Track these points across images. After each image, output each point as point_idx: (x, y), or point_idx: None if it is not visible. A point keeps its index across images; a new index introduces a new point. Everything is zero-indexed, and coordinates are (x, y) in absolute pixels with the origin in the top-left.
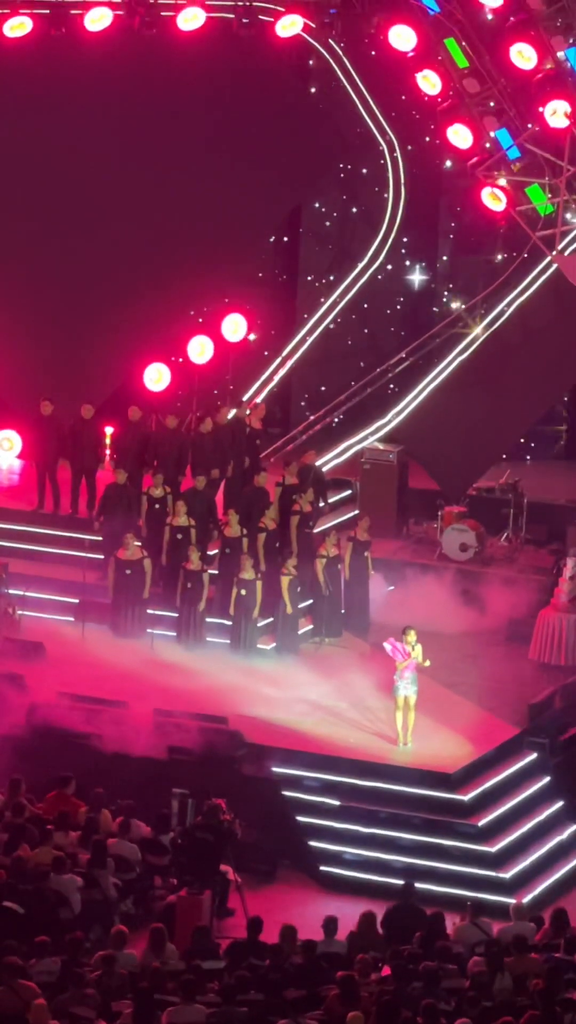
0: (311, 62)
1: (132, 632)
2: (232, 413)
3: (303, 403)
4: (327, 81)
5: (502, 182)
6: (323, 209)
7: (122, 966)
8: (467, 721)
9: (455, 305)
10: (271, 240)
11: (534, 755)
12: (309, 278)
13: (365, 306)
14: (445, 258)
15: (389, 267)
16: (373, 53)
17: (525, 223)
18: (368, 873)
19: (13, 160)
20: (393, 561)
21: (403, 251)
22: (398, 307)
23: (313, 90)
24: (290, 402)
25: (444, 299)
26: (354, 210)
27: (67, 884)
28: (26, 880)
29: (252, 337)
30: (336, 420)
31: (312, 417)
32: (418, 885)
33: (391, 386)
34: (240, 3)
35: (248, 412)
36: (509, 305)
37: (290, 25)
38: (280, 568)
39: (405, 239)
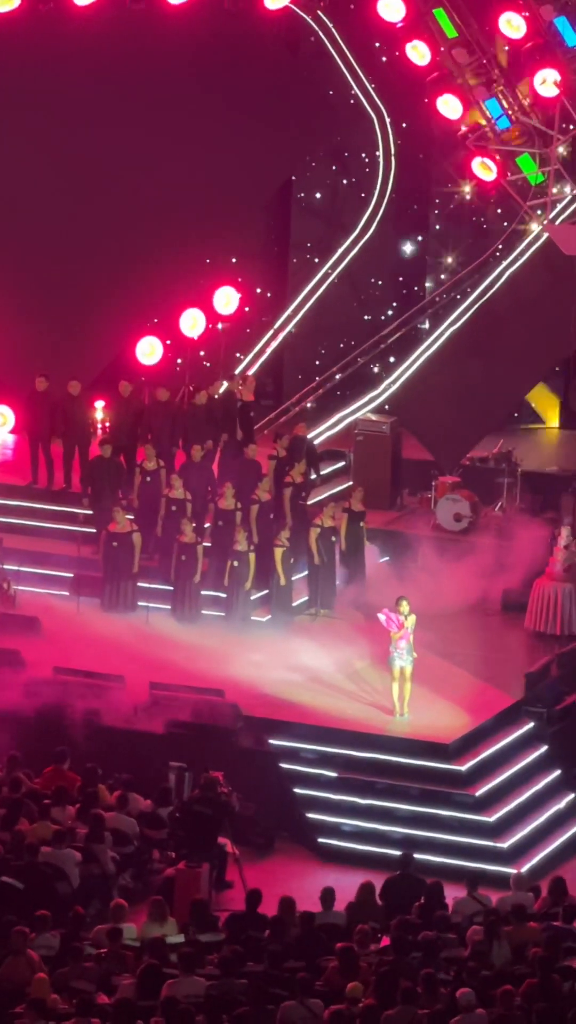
0: (312, 38)
1: (121, 606)
2: (224, 386)
3: (295, 375)
4: (317, 53)
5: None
6: (314, 180)
7: (124, 939)
8: (463, 691)
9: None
10: (262, 212)
11: (531, 724)
12: (302, 249)
13: (357, 276)
14: (437, 227)
15: (380, 238)
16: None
17: (516, 193)
18: (366, 844)
19: (2, 137)
20: (387, 532)
21: (394, 222)
22: (390, 278)
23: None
24: (282, 374)
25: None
26: (344, 181)
27: (66, 858)
28: (24, 855)
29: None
30: (326, 390)
31: (305, 389)
32: (416, 856)
33: (381, 360)
34: None
35: (240, 385)
36: (501, 275)
37: None
38: (273, 540)
39: (396, 209)
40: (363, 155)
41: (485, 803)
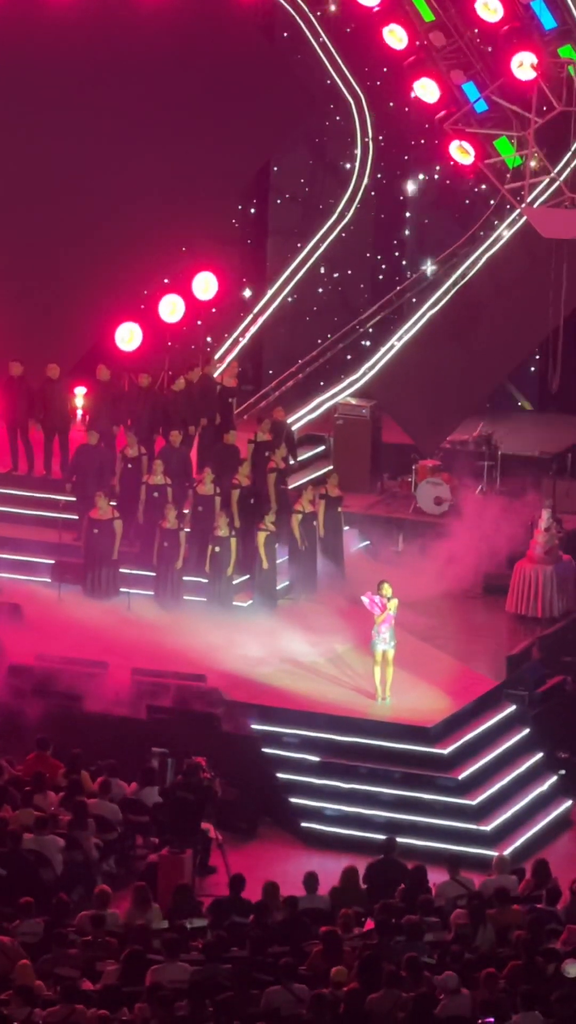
0: (285, 34)
1: (102, 592)
2: (203, 371)
3: (275, 360)
4: (294, 38)
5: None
6: (292, 166)
7: (109, 926)
8: (445, 675)
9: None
10: (240, 197)
11: (513, 707)
12: (280, 235)
13: (335, 262)
14: (411, 214)
15: (358, 223)
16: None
17: (494, 176)
18: (349, 828)
19: None
20: (368, 516)
21: (372, 206)
22: (368, 262)
23: (285, 35)
24: (262, 359)
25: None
26: (322, 165)
27: (49, 845)
28: (7, 842)
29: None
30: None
31: (284, 374)
32: (399, 839)
33: (363, 341)
34: None
35: (220, 370)
36: (479, 258)
37: None
38: (256, 524)
39: (374, 194)
40: (341, 140)
41: (468, 786)
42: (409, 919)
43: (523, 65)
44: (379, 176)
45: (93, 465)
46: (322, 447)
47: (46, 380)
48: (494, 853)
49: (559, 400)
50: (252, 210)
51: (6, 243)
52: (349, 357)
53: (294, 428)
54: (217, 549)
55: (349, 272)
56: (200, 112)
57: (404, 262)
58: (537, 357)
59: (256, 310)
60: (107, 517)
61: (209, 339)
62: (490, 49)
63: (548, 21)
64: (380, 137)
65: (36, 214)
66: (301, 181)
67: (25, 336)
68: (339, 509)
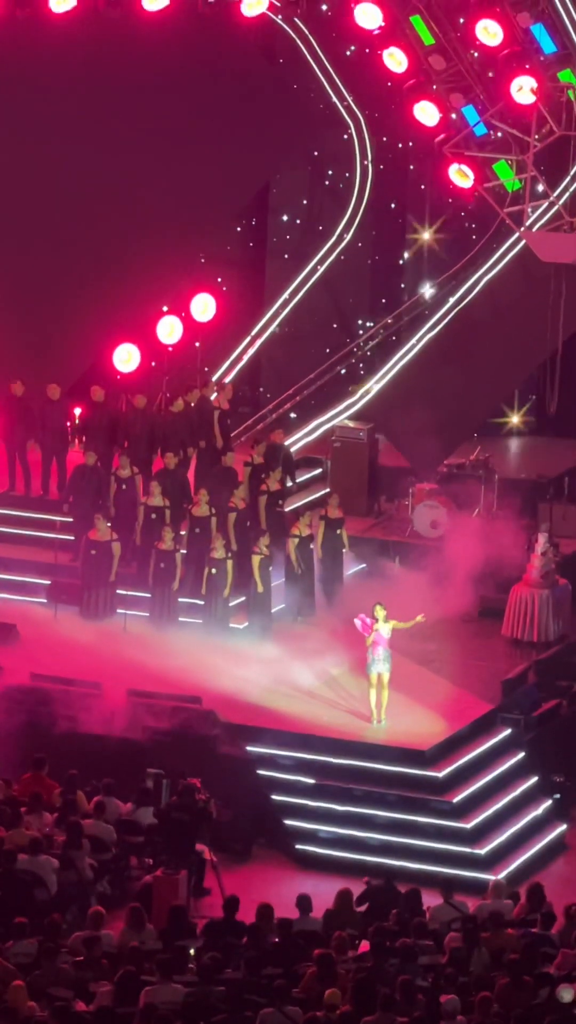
0: (281, 60)
1: (99, 613)
2: (200, 393)
3: (273, 382)
4: (294, 59)
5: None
6: (291, 187)
7: (102, 947)
8: (441, 698)
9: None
10: (239, 219)
11: (508, 731)
12: (279, 256)
13: (333, 284)
14: (410, 236)
15: (358, 244)
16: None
17: (493, 200)
18: (343, 851)
19: None
20: (364, 539)
21: (371, 228)
22: (367, 285)
23: (281, 60)
24: (259, 381)
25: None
26: (320, 185)
27: (43, 865)
28: (1, 862)
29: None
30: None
31: (282, 396)
32: (394, 862)
33: (361, 364)
34: None
35: (216, 392)
36: (478, 282)
37: (255, 4)
38: (251, 547)
39: (373, 216)
40: (340, 161)
41: (462, 810)
42: (403, 942)
43: (523, 89)
44: (378, 198)
45: (90, 486)
46: (319, 470)
47: (46, 400)
48: (489, 876)
49: (556, 424)
50: (251, 231)
51: (7, 263)
52: (344, 374)
53: (292, 450)
54: (213, 571)
55: (348, 295)
56: (200, 133)
57: (403, 285)
58: (535, 380)
59: (254, 332)
60: (106, 539)
61: (206, 368)
62: (491, 74)
63: (548, 46)
64: (380, 165)
65: (37, 234)
66: (301, 202)
67: (26, 356)
68: (339, 531)
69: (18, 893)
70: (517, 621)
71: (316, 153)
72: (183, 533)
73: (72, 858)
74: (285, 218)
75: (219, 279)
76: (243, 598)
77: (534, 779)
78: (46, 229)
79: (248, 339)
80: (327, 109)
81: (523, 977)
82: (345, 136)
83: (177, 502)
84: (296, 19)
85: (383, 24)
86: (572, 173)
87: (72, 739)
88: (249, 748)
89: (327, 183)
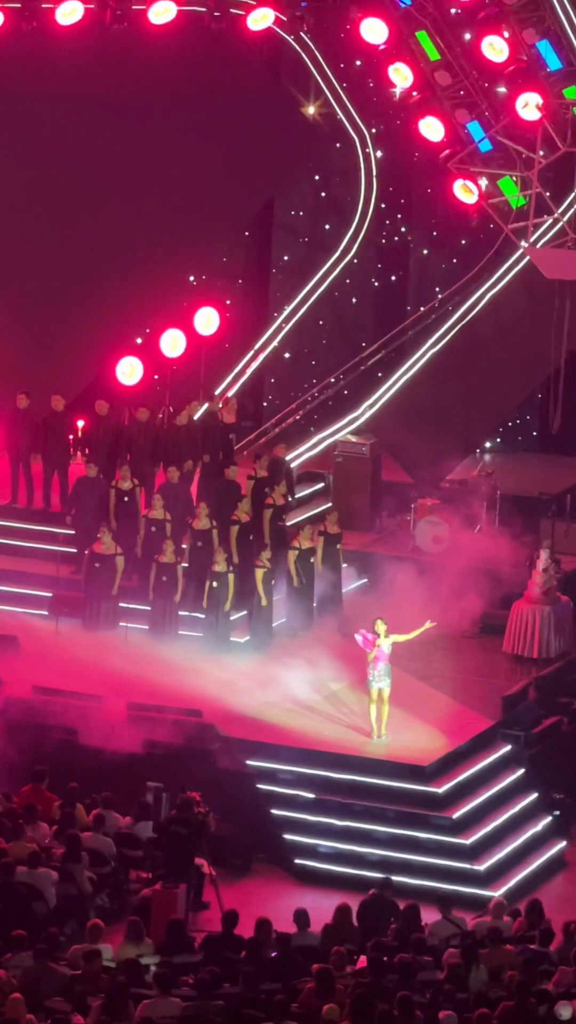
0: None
1: (101, 626)
2: (204, 407)
3: (275, 397)
4: (299, 74)
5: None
6: (295, 201)
7: (101, 960)
8: (441, 713)
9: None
10: (244, 233)
11: (508, 747)
12: (283, 270)
13: (337, 298)
14: (419, 249)
15: (362, 259)
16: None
17: (497, 216)
18: (343, 866)
19: None
20: (366, 554)
21: (375, 243)
22: (370, 299)
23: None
24: (262, 396)
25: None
26: (323, 195)
27: (42, 878)
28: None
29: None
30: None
31: (285, 410)
32: (393, 878)
33: (364, 379)
34: None
35: (220, 406)
36: (481, 297)
37: (261, 19)
38: (254, 561)
39: (377, 230)
40: (345, 176)
41: (462, 825)
42: (402, 958)
43: (528, 105)
44: (382, 213)
45: (92, 499)
46: (321, 484)
47: (50, 412)
48: (488, 893)
49: (559, 441)
50: (255, 245)
51: (12, 275)
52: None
53: (293, 465)
54: (215, 584)
55: (351, 309)
56: (204, 148)
57: (406, 300)
58: (539, 397)
59: (258, 346)
60: (110, 552)
61: (203, 384)
62: (498, 89)
63: (553, 62)
64: (388, 188)
65: (42, 247)
66: (305, 217)
67: (30, 368)
68: (338, 546)
69: (17, 906)
70: (518, 637)
71: (321, 167)
72: (184, 546)
73: (71, 871)
74: (289, 232)
75: (223, 294)
76: (244, 612)
77: (534, 796)
78: (51, 241)
79: (251, 353)
80: (332, 124)
81: (528, 999)
82: (348, 153)
83: (179, 516)
84: (303, 34)
85: (389, 39)
86: None
87: (72, 752)
88: (249, 762)
89: (331, 198)
